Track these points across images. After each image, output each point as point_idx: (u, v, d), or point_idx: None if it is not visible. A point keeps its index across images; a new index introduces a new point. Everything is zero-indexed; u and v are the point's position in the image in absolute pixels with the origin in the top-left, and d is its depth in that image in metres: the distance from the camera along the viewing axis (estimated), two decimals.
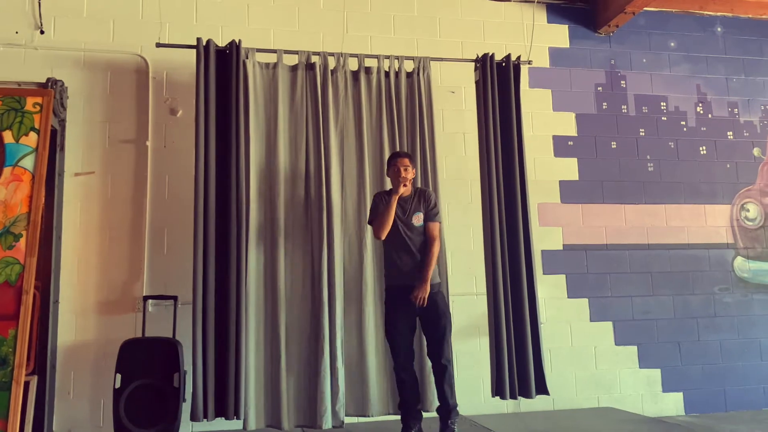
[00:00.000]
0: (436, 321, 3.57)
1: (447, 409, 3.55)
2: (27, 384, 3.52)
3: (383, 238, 3.61)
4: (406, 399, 3.58)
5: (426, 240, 3.61)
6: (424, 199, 3.69)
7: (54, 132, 3.99)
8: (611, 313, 4.80)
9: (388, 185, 4.10)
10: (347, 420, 3.85)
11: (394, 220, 3.60)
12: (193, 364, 3.63)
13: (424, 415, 3.76)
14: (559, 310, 4.69)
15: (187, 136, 4.13)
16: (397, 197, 3.59)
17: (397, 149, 4.14)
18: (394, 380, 3.71)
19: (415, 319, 3.62)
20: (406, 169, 3.64)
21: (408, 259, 3.57)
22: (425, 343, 3.70)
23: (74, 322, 4.02)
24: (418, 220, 3.64)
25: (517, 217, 4.19)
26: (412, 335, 3.63)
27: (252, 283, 3.80)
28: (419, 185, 4.12)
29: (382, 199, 3.70)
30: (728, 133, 5.28)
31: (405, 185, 3.60)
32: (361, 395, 3.88)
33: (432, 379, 3.82)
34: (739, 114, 5.33)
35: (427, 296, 3.49)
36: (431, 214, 3.65)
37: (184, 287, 3.96)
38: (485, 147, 4.24)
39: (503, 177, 4.24)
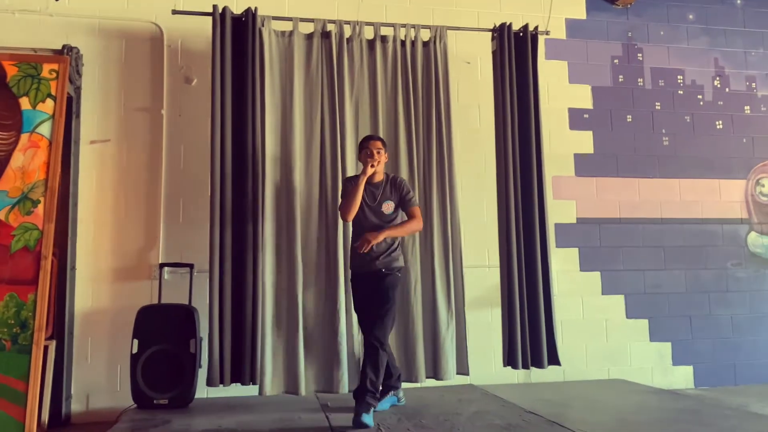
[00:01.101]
0: (378, 300, 3.43)
1: (362, 391, 3.35)
2: (45, 348, 3.57)
3: (350, 220, 3.53)
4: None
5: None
6: (395, 187, 3.58)
7: (70, 99, 3.99)
8: (623, 286, 4.81)
9: (402, 156, 4.12)
10: None
11: (363, 207, 3.51)
12: (210, 329, 3.68)
13: (412, 385, 3.86)
14: (571, 282, 4.70)
15: (201, 104, 4.15)
16: (365, 178, 3.48)
17: (412, 120, 4.14)
18: (408, 346, 3.78)
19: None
20: (378, 152, 3.53)
21: (374, 247, 3.45)
22: (414, 314, 3.83)
23: (91, 288, 4.06)
24: (388, 207, 3.54)
25: (532, 190, 4.19)
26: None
27: (268, 251, 3.83)
28: (434, 156, 4.11)
29: (351, 182, 3.59)
30: (745, 108, 5.23)
31: (373, 165, 3.48)
32: None
33: (444, 346, 3.88)
34: (757, 88, 5.27)
35: (372, 243, 3.39)
36: (408, 201, 3.56)
37: (199, 255, 4.01)
38: (501, 117, 4.22)
39: (519, 149, 4.22)
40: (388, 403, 3.64)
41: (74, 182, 4.09)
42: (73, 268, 4.04)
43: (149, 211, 4.19)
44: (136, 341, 3.78)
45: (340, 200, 3.68)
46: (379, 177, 3.59)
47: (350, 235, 3.87)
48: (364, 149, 3.57)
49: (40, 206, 3.55)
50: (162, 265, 4.06)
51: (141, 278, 4.10)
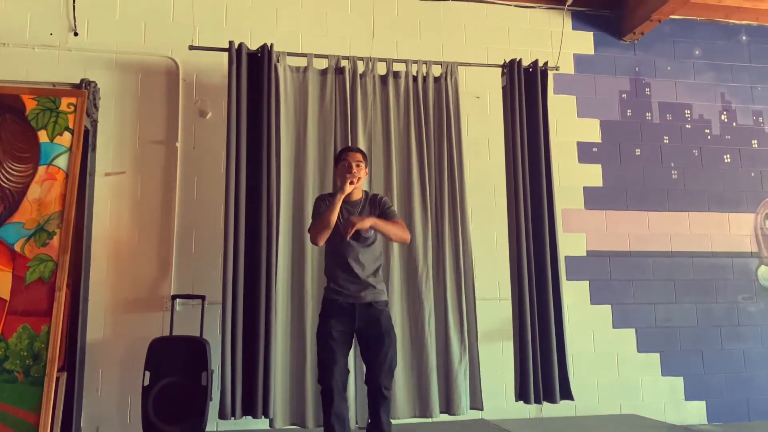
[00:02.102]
0: (378, 341, 3.16)
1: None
2: (56, 380, 3.56)
3: (321, 244, 3.20)
4: (334, 424, 3.13)
5: (373, 252, 3.26)
6: (377, 205, 3.28)
7: (86, 132, 4.05)
8: (634, 320, 4.79)
9: (416, 189, 4.14)
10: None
11: (338, 228, 3.15)
12: (222, 362, 3.67)
13: (424, 420, 3.81)
14: (581, 316, 4.68)
15: (215, 138, 4.20)
16: (343, 196, 3.13)
17: (425, 153, 4.18)
18: (422, 380, 3.72)
19: (352, 338, 3.27)
20: (358, 165, 3.21)
21: (352, 274, 3.17)
22: (428, 347, 3.78)
23: (103, 319, 4.07)
24: (367, 231, 3.18)
25: (543, 223, 4.21)
26: (347, 350, 3.25)
27: (281, 284, 3.84)
28: (445, 189, 4.14)
29: (324, 201, 3.25)
30: (753, 142, 5.27)
31: (352, 182, 3.13)
32: None
33: (457, 381, 3.85)
34: (764, 122, 5.32)
35: (357, 227, 3.05)
36: (390, 213, 3.25)
37: (211, 287, 4.02)
38: (512, 152, 4.26)
39: (529, 182, 4.25)
40: None
41: (89, 214, 4.13)
42: (86, 299, 4.05)
43: (162, 243, 4.21)
44: (147, 373, 3.76)
45: (309, 221, 3.40)
46: (358, 195, 3.28)
47: None
48: (342, 161, 3.27)
49: (56, 238, 3.58)
50: (174, 297, 4.07)
51: (153, 310, 4.11)
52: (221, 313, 3.73)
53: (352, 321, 3.19)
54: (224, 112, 3.98)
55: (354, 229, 3.07)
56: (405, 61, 4.29)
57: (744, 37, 5.44)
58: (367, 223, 3.10)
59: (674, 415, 4.68)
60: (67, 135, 3.77)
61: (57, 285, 3.51)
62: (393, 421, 3.82)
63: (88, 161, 4.14)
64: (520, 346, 4.06)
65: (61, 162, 3.72)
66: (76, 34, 4.30)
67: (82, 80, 4.14)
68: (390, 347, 3.19)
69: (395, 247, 4.02)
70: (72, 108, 3.83)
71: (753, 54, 5.42)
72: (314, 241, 3.22)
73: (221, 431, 3.96)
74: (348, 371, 3.30)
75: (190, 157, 4.32)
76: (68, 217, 3.63)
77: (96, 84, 4.19)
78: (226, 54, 4.01)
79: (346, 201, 3.22)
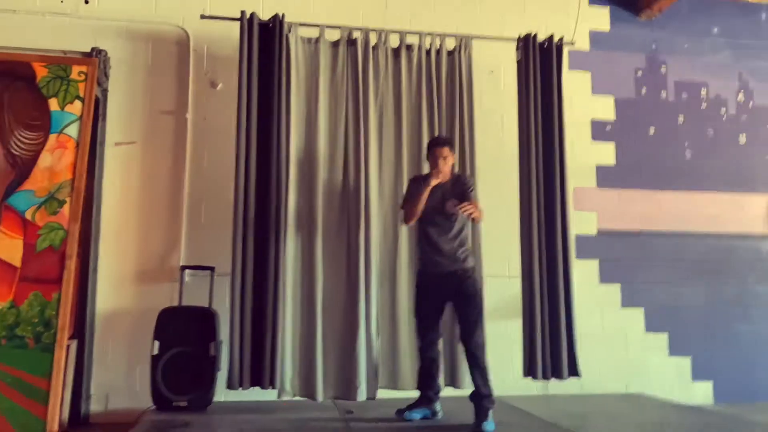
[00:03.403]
0: (466, 305, 3.48)
1: (479, 396, 3.43)
2: (67, 348, 3.58)
3: (411, 223, 3.60)
4: (424, 377, 3.59)
5: (461, 228, 3.56)
6: (459, 184, 3.56)
7: (97, 101, 4.03)
8: (643, 299, 4.77)
9: (425, 163, 4.10)
10: (378, 393, 3.90)
11: (428, 207, 3.49)
12: (231, 333, 3.68)
13: (455, 392, 3.80)
14: (590, 295, 4.65)
15: (226, 109, 4.16)
16: (429, 189, 3.46)
17: (436, 129, 4.15)
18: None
19: (444, 304, 3.57)
20: (445, 159, 3.53)
21: (440, 247, 3.49)
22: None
23: (112, 289, 4.08)
24: (453, 207, 3.47)
25: (554, 201, 4.18)
26: (439, 318, 3.60)
27: (290, 256, 3.84)
28: (457, 166, 4.10)
29: (417, 184, 3.58)
30: None
31: (437, 177, 3.47)
32: (392, 369, 3.94)
33: (463, 356, 3.85)
34: None
35: (471, 211, 3.33)
36: (469, 195, 3.50)
37: (220, 258, 4.00)
38: (525, 128, 4.22)
39: (542, 160, 4.22)
40: (419, 414, 3.54)
41: (98, 183, 4.12)
42: (95, 269, 4.06)
43: (171, 214, 4.21)
44: (156, 343, 3.79)
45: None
46: (445, 178, 3.54)
47: (371, 241, 3.89)
48: (431, 154, 3.60)
49: (66, 206, 3.59)
50: (183, 268, 4.08)
51: (162, 280, 4.12)
52: (230, 284, 3.74)
53: (441, 289, 3.51)
54: (235, 83, 3.95)
55: (461, 209, 3.35)
56: (419, 33, 4.24)
57: (764, 16, 5.34)
58: (476, 213, 3.38)
59: (681, 394, 4.67)
60: (77, 103, 3.76)
61: (67, 253, 3.53)
62: (398, 393, 3.87)
63: (99, 130, 4.13)
64: (529, 323, 4.05)
65: (72, 131, 3.71)
66: (86, 2, 4.27)
67: (92, 49, 4.11)
68: (478, 309, 3.51)
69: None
70: (83, 76, 3.81)
71: None
72: (406, 222, 3.64)
73: (229, 401, 3.98)
74: (440, 334, 3.68)
75: (200, 129, 4.30)
76: (79, 186, 3.64)
77: (107, 53, 4.16)
78: (237, 24, 3.97)
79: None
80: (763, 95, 5.22)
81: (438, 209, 3.49)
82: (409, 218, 3.55)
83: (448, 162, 3.55)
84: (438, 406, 3.60)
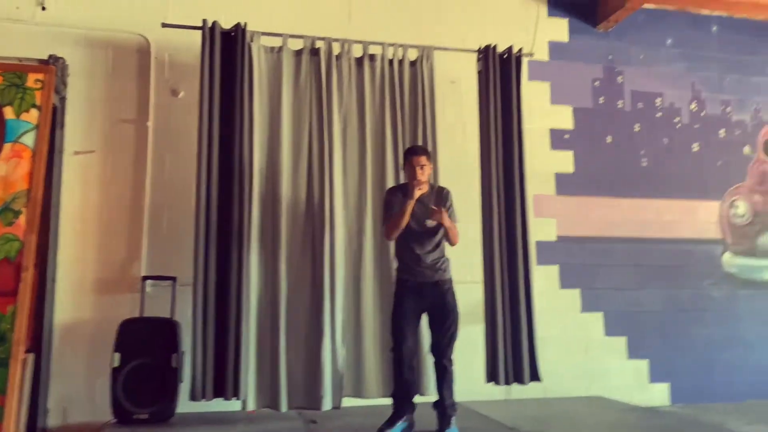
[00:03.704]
0: (444, 317, 3.48)
1: (443, 406, 3.45)
2: (23, 361, 3.51)
3: (392, 239, 3.58)
4: (403, 389, 3.48)
5: (440, 240, 3.54)
6: (443, 200, 3.54)
7: (55, 109, 3.96)
8: (602, 304, 4.88)
9: (389, 172, 4.14)
10: (343, 402, 3.90)
11: (409, 221, 3.46)
12: (193, 344, 3.65)
13: (420, 399, 3.82)
14: (551, 300, 4.74)
15: (187, 117, 4.14)
16: (413, 203, 3.40)
17: (399, 138, 4.20)
18: (390, 363, 3.68)
19: (422, 313, 3.55)
20: (422, 168, 3.45)
21: (421, 259, 3.47)
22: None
23: (72, 300, 4.01)
24: (433, 221, 3.47)
25: (515, 208, 4.25)
26: (418, 326, 3.60)
27: (253, 265, 3.83)
28: None
29: (395, 196, 3.54)
30: (720, 131, 5.37)
31: (419, 188, 3.39)
32: (357, 377, 3.94)
33: (427, 362, 3.88)
34: (732, 112, 5.42)
35: (440, 216, 3.35)
36: (450, 213, 3.53)
37: (182, 268, 3.97)
38: (486, 137, 4.29)
39: (503, 168, 4.29)
40: (399, 429, 3.44)
41: (57, 193, 4.05)
42: (54, 280, 3.98)
43: (132, 224, 4.16)
44: (117, 354, 3.73)
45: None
46: (425, 189, 3.47)
47: (336, 249, 3.90)
48: (407, 163, 3.51)
49: (22, 217, 3.51)
50: (145, 278, 4.03)
51: (123, 291, 4.06)
52: (192, 294, 3.71)
53: (421, 299, 3.49)
54: (197, 92, 3.92)
55: (441, 216, 3.37)
56: (381, 44, 4.28)
57: (715, 28, 5.52)
58: (446, 218, 3.41)
59: (639, 396, 4.79)
60: (34, 112, 3.68)
61: (24, 265, 3.45)
62: (363, 402, 3.88)
63: (57, 139, 4.05)
64: (491, 329, 4.11)
65: (28, 139, 3.64)
66: (44, 8, 4.19)
67: (50, 56, 4.04)
68: (456, 323, 3.51)
69: (369, 227, 4.04)
70: (39, 84, 3.73)
71: (723, 45, 5.50)
72: (388, 238, 3.62)
73: (192, 412, 3.93)
74: (417, 343, 3.67)
75: (161, 137, 4.26)
76: (35, 195, 3.56)
77: (65, 60, 4.10)
78: (199, 32, 3.95)
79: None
80: (714, 105, 5.40)
81: (419, 221, 3.46)
82: (392, 234, 3.50)
83: (426, 171, 3.49)
84: (413, 417, 3.53)
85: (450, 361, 3.48)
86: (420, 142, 4.19)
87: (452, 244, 3.58)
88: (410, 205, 3.40)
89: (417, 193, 3.39)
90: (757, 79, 5.52)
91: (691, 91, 5.37)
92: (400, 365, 3.46)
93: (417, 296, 3.48)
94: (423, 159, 3.49)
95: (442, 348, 3.47)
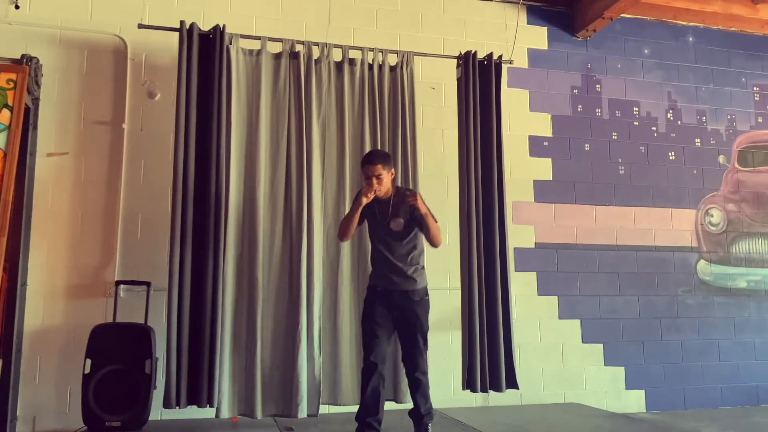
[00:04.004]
0: (411, 330, 3.36)
1: (419, 414, 3.37)
2: None
3: (344, 240, 3.61)
4: (367, 403, 3.31)
5: (408, 246, 3.40)
6: (405, 202, 3.35)
7: (27, 110, 3.89)
8: (579, 311, 4.91)
9: None
10: (321, 409, 3.86)
11: (375, 225, 3.42)
12: (167, 350, 3.59)
13: (396, 406, 3.80)
14: (529, 307, 4.77)
15: (164, 120, 4.10)
16: (360, 208, 3.32)
17: (378, 143, 4.16)
18: None
19: (392, 322, 3.40)
20: (378, 178, 3.31)
21: (391, 266, 3.36)
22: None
23: (42, 305, 3.93)
24: (398, 225, 3.35)
25: (493, 215, 4.25)
26: (389, 334, 3.42)
27: (229, 271, 3.77)
28: (399, 180, 4.13)
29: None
30: (696, 140, 5.44)
31: (367, 197, 3.28)
32: (334, 384, 3.91)
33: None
34: (707, 122, 5.50)
35: (417, 202, 3.25)
36: (416, 215, 3.35)
37: (156, 273, 3.94)
38: (465, 144, 4.28)
39: (481, 174, 4.29)
40: None
41: (29, 195, 3.97)
42: (24, 284, 3.90)
43: (106, 227, 4.09)
44: (89, 361, 3.65)
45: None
46: (386, 194, 3.39)
47: (314, 255, 3.87)
48: (363, 172, 3.40)
49: None
50: (118, 283, 3.96)
51: (96, 296, 3.99)
52: (167, 300, 3.65)
53: (389, 307, 3.37)
54: (174, 94, 3.87)
55: (418, 200, 3.27)
56: (361, 49, 4.26)
57: (691, 39, 5.60)
58: (422, 205, 3.29)
59: (615, 403, 4.82)
60: (5, 112, 3.62)
61: None
62: (339, 409, 3.86)
63: (29, 140, 3.97)
64: (468, 336, 4.10)
65: None
66: (17, 7, 4.11)
67: (23, 56, 3.96)
68: (426, 334, 3.40)
69: None
70: (11, 84, 3.67)
71: (699, 55, 5.58)
72: (340, 238, 3.58)
73: (166, 419, 3.88)
74: (387, 351, 3.48)
75: (137, 139, 4.20)
76: (6, 198, 3.50)
77: (38, 60, 4.02)
78: (176, 34, 3.90)
79: (378, 200, 3.37)
80: (690, 114, 5.47)
81: (384, 227, 3.38)
82: (342, 236, 3.51)
83: (384, 180, 3.34)
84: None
85: (423, 373, 3.37)
86: (399, 147, 4.18)
87: (434, 244, 3.44)
88: (357, 210, 3.33)
89: (365, 200, 3.30)
90: (731, 89, 5.61)
91: (667, 101, 5.43)
92: (368, 375, 3.32)
93: (386, 304, 3.38)
94: (378, 168, 3.32)
95: (414, 361, 3.36)
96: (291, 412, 3.70)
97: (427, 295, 3.46)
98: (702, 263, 5.27)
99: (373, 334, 3.35)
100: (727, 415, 4.78)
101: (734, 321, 5.24)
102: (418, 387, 3.36)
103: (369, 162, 3.37)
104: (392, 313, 3.38)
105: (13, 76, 3.68)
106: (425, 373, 3.39)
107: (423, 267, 3.48)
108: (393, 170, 3.45)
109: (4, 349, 3.76)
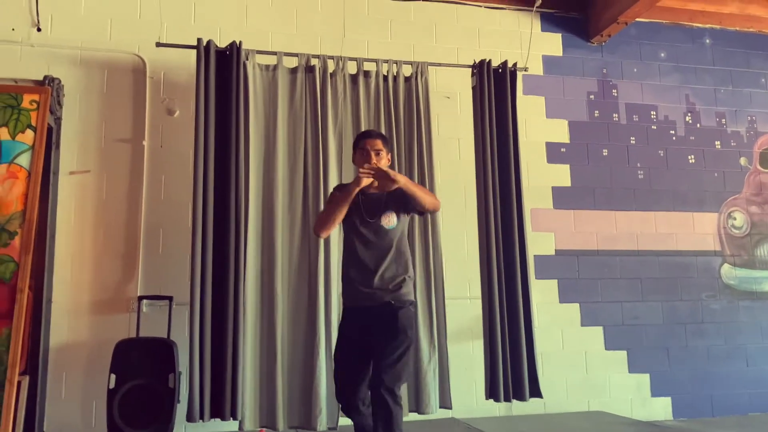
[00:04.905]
0: (389, 337, 2.71)
1: None
2: (18, 384, 3.47)
3: (322, 235, 2.94)
4: None
5: (398, 249, 2.85)
6: (395, 192, 2.77)
7: (50, 130, 3.96)
8: (601, 318, 4.85)
9: None
10: (340, 421, 3.86)
11: (356, 224, 2.83)
12: (190, 364, 3.62)
13: (418, 417, 3.78)
14: (550, 314, 4.73)
15: (183, 136, 4.14)
16: (357, 189, 2.74)
17: (395, 153, 4.16)
18: None
19: (370, 342, 2.78)
20: (378, 153, 2.80)
21: (370, 274, 2.77)
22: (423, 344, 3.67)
23: (67, 321, 3.98)
24: (388, 221, 2.81)
25: (512, 222, 4.24)
26: (364, 368, 2.79)
27: (250, 284, 3.80)
28: None
29: (339, 191, 2.88)
30: (716, 143, 5.38)
31: (367, 175, 2.67)
32: None
33: (427, 380, 3.85)
34: (727, 124, 5.44)
35: (378, 172, 2.66)
36: (401, 195, 2.79)
37: (178, 288, 3.97)
38: (481, 152, 4.28)
39: (499, 182, 4.28)
40: None
41: (52, 213, 4.03)
42: (50, 300, 3.95)
43: (128, 243, 4.14)
44: (113, 376, 3.69)
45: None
46: (377, 183, 2.78)
47: (332, 267, 3.88)
48: (360, 149, 2.86)
49: (17, 238, 3.50)
50: (141, 298, 4.00)
51: (119, 311, 4.04)
52: (189, 314, 3.68)
53: (366, 326, 2.80)
54: (192, 111, 3.93)
55: (370, 173, 2.68)
56: (375, 61, 4.29)
57: (707, 41, 5.55)
58: (399, 177, 2.67)
59: (641, 411, 4.75)
60: (29, 133, 3.68)
61: (18, 286, 3.43)
62: None
63: (52, 160, 4.04)
64: (490, 345, 4.08)
65: (23, 160, 3.63)
66: (39, 29, 4.20)
67: (45, 77, 4.04)
68: (403, 346, 2.73)
69: None
70: (35, 105, 3.74)
71: (716, 57, 5.53)
72: (315, 233, 2.92)
73: None
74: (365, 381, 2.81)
75: (157, 156, 4.25)
76: (30, 216, 3.55)
77: (60, 81, 4.10)
78: (194, 51, 3.96)
79: (364, 193, 2.82)
80: (709, 116, 5.41)
81: (369, 224, 2.81)
82: (320, 227, 2.86)
83: (382, 159, 2.84)
84: None
85: (390, 391, 2.60)
86: (416, 157, 4.20)
87: (433, 207, 2.89)
88: (354, 191, 2.73)
89: (365, 182, 2.71)
90: (750, 90, 5.54)
91: (685, 104, 5.38)
92: (347, 413, 2.87)
93: (362, 326, 2.80)
94: (379, 143, 2.84)
95: (381, 371, 2.64)
96: (311, 424, 3.71)
97: (413, 306, 2.87)
98: (726, 267, 5.20)
99: (343, 377, 2.85)
100: (756, 421, 4.69)
101: (761, 325, 5.15)
102: (381, 411, 2.59)
103: (368, 136, 2.95)
104: (369, 331, 2.79)
105: (36, 97, 3.75)
106: (395, 397, 2.62)
107: (411, 277, 2.90)
108: (390, 156, 2.99)
109: (31, 366, 3.81)
